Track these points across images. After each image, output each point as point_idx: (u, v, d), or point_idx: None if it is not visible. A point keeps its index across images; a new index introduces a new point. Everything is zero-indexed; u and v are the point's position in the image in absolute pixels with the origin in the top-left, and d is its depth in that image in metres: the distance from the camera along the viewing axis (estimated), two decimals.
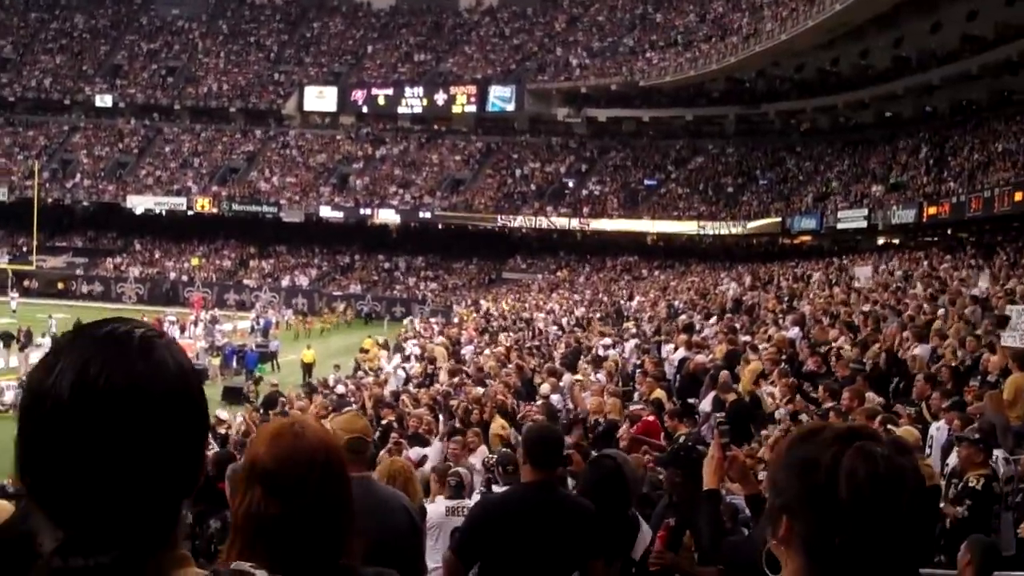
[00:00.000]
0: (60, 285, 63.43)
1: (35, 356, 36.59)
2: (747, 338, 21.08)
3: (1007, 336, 15.58)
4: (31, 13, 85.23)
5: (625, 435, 12.86)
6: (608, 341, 25.23)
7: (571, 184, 66.26)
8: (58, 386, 1.30)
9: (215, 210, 67.85)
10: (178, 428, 1.36)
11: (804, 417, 12.55)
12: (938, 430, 10.37)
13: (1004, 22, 42.13)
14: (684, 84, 61.24)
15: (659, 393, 15.66)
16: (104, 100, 76.83)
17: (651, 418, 13.45)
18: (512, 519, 5.27)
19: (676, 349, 20.81)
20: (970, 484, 8.33)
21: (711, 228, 57.49)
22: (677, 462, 6.36)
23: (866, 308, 22.49)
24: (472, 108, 71.21)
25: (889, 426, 9.56)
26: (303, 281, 64.26)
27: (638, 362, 20.89)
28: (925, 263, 31.95)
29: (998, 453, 9.32)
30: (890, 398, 13.33)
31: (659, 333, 25.04)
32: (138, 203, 68.84)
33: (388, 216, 66.19)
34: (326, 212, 66.77)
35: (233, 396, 32.07)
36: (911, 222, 40.07)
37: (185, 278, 64.27)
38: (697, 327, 24.74)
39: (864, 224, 44.54)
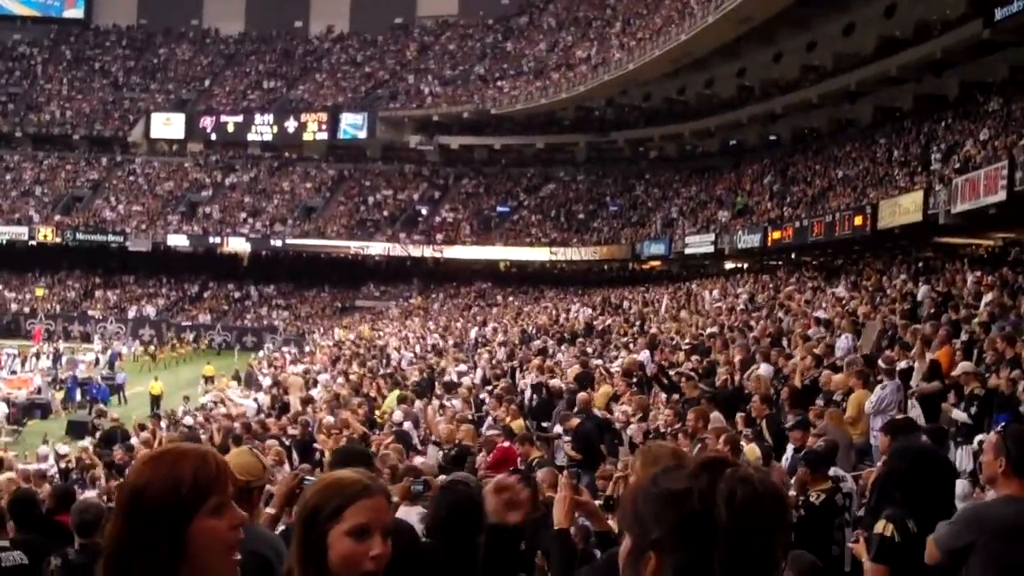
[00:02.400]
0: None
1: None
2: (599, 361, 21.34)
3: (852, 353, 16.11)
4: None
5: (482, 463, 12.89)
6: (462, 368, 25.27)
7: (424, 211, 66.30)
8: None
9: (58, 239, 65.92)
10: None
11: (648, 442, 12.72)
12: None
13: (842, 52, 43.63)
14: (535, 112, 61.86)
15: (518, 422, 15.70)
16: None
17: (506, 444, 13.46)
18: None
19: (529, 374, 20.98)
20: (810, 499, 8.53)
21: (563, 254, 58.16)
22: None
23: (713, 330, 22.98)
24: (323, 135, 70.79)
25: (732, 446, 9.74)
26: (150, 311, 62.87)
27: (492, 388, 20.96)
28: (771, 286, 32.76)
29: (837, 471, 9.58)
30: (734, 418, 13.59)
31: (512, 358, 25.18)
32: None
33: (238, 244, 65.24)
34: (174, 241, 65.46)
35: (78, 430, 31.08)
36: (756, 247, 41.06)
37: (27, 310, 62.28)
38: (550, 352, 24.96)
39: (711, 249, 45.50)
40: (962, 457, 11.26)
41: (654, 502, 1.72)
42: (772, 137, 53.30)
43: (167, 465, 2.16)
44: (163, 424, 23.67)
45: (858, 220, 32.09)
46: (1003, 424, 6.16)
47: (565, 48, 66.99)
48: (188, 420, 24.52)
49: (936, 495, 5.66)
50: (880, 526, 5.48)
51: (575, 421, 14.52)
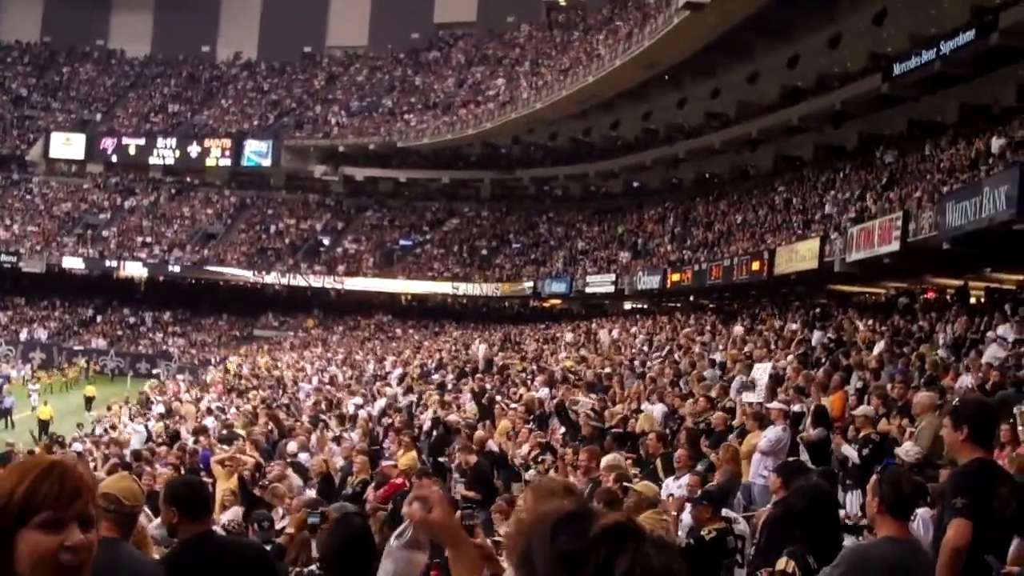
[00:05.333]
0: None
1: None
2: (498, 397, 21.39)
3: (747, 395, 16.33)
4: None
5: (372, 496, 12.83)
6: (359, 400, 25.13)
7: (326, 242, 65.92)
8: None
9: None
10: None
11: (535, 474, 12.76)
12: (679, 487, 10.69)
13: (745, 100, 44.49)
14: (442, 147, 62.01)
15: (411, 454, 15.63)
16: None
17: (399, 480, 13.39)
18: None
19: (428, 408, 20.94)
20: (703, 535, 8.63)
21: (464, 289, 58.21)
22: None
23: (609, 369, 23.18)
24: (227, 162, 70.14)
25: (626, 483, 9.81)
26: (42, 334, 61.51)
27: (388, 421, 20.88)
28: (668, 327, 33.13)
29: (728, 512, 9.68)
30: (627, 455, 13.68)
31: (411, 392, 25.12)
32: None
33: (135, 269, 64.17)
34: (69, 263, 64.15)
35: None
36: (656, 288, 41.51)
37: None
38: (449, 386, 24.95)
39: (612, 289, 45.89)
40: (851, 501, 11.46)
41: (549, 559, 1.70)
42: (674, 180, 54.07)
43: (9, 475, 2.15)
44: (54, 449, 23.16)
45: (755, 265, 32.64)
46: (882, 466, 6.33)
47: (473, 84, 67.31)
48: (77, 446, 24.05)
49: (833, 533, 5.77)
50: (783, 563, 5.57)
51: (470, 459, 14.48)
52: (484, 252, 61.07)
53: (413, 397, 24.03)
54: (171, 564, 5.05)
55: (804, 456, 12.94)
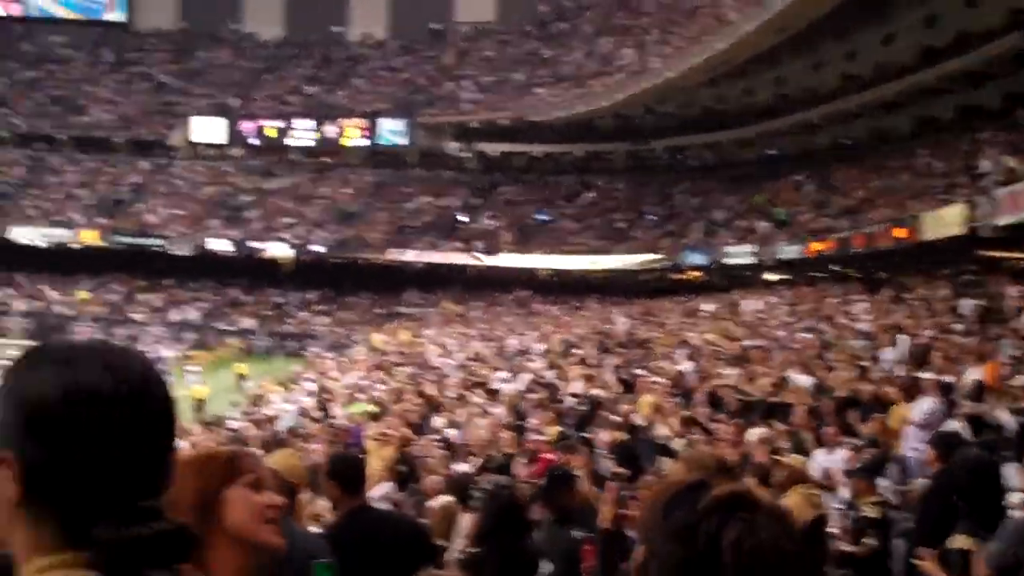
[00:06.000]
0: None
1: None
2: (641, 372, 21.42)
3: (896, 365, 16.15)
4: None
5: (521, 471, 13.03)
6: (504, 375, 25.38)
7: (463, 219, 66.46)
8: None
9: (102, 242, 66.60)
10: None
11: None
12: (831, 460, 10.67)
13: (882, 62, 43.53)
14: (574, 120, 61.97)
15: (555, 429, 15.80)
16: None
17: (550, 456, 13.57)
18: None
19: (571, 383, 21.09)
20: (868, 515, 8.61)
21: (602, 263, 58.13)
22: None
23: (754, 341, 23.03)
24: (364, 141, 71.19)
25: (776, 457, 9.84)
26: (193, 315, 63.35)
27: (533, 396, 21.07)
28: (811, 297, 32.74)
29: (884, 482, 9.65)
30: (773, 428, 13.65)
31: (554, 367, 25.28)
32: (21, 235, 67.27)
33: (279, 250, 65.67)
34: (215, 245, 65.98)
35: None
36: (797, 258, 40.98)
37: (72, 312, 62.90)
38: (591, 361, 25.05)
39: (751, 260, 45.44)
40: (1011, 475, 11.28)
41: (661, 534, 1.68)
42: (811, 146, 53.16)
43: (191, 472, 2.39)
44: (210, 428, 23.96)
45: (900, 232, 32.03)
46: None
47: (603, 55, 67.06)
48: (232, 424, 24.82)
49: (997, 506, 5.73)
50: (961, 541, 5.53)
51: (615, 434, 14.58)
52: (620, 225, 60.92)
53: (555, 372, 24.19)
54: (333, 537, 5.28)
55: (957, 426, 12.76)
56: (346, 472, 5.74)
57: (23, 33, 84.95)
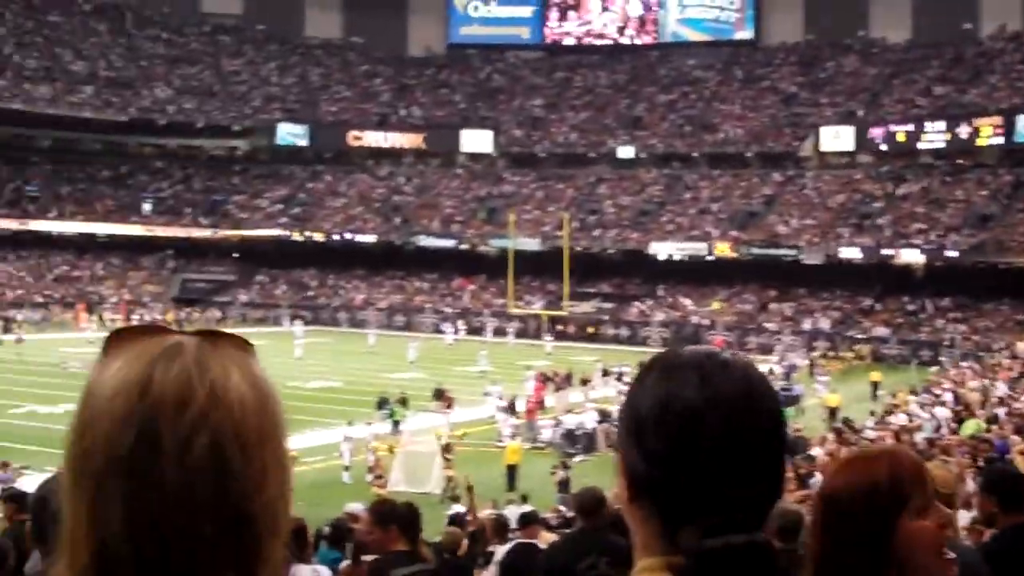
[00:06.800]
0: (590, 329, 66.82)
1: (573, 396, 39.02)
2: None
3: None
4: (557, 73, 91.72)
5: None
6: None
7: None
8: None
9: (734, 254, 68.85)
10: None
11: None
12: None
13: None
14: None
15: None
16: (626, 152, 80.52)
17: None
18: None
19: None
20: None
21: None
22: None
23: None
24: (998, 140, 67.70)
25: None
26: (824, 324, 63.60)
27: None
28: None
29: None
30: None
31: None
32: (661, 250, 71.30)
33: (911, 256, 64.18)
34: (846, 253, 65.86)
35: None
36: None
37: (706, 322, 65.59)
38: None
39: None
40: None
41: None
42: None
43: (859, 466, 2.15)
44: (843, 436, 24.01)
45: None
46: None
47: None
48: (869, 432, 24.71)
49: None
50: None
51: None
52: None
53: None
54: (991, 555, 5.13)
55: None
56: (1005, 486, 5.60)
57: (658, 59, 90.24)
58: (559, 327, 65.26)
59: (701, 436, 1.45)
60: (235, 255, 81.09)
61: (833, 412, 36.22)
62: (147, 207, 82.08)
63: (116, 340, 1.19)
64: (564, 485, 24.45)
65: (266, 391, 1.18)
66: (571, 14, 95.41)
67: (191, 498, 1.10)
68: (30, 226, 77.21)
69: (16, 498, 7.84)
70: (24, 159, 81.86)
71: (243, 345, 1.20)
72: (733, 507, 1.45)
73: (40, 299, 71.30)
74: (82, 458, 1.12)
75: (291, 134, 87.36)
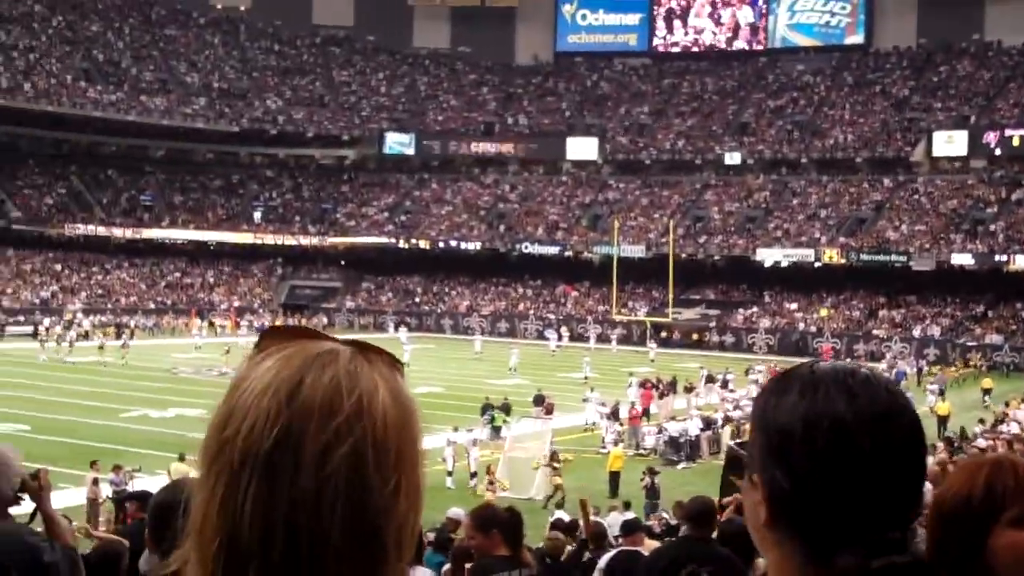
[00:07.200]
0: (695, 336, 66.42)
1: (677, 403, 38.88)
2: None
3: None
4: (664, 79, 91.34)
5: None
6: None
7: None
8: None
9: (842, 260, 67.90)
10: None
11: None
12: None
13: None
14: None
15: None
16: (733, 157, 79.86)
17: None
18: None
19: None
20: None
21: None
22: None
23: None
24: None
25: None
26: (934, 331, 62.39)
27: None
28: None
29: None
30: None
31: None
32: (767, 256, 70.58)
33: None
34: (958, 259, 64.55)
35: None
36: None
37: (814, 328, 64.81)
38: None
39: None
40: None
41: None
42: None
43: (964, 475, 2.09)
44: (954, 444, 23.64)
45: None
46: None
47: None
48: (981, 442, 24.26)
49: None
50: None
51: None
52: None
53: None
54: None
55: None
56: None
57: (766, 64, 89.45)
58: (663, 333, 64.99)
59: (850, 453, 1.42)
60: (342, 262, 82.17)
61: (943, 420, 35.66)
62: (257, 215, 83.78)
63: (269, 338, 1.21)
64: (652, 491, 24.46)
65: (410, 410, 1.19)
66: (676, 23, 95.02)
67: (324, 506, 1.11)
68: (144, 234, 79.19)
69: (139, 497, 8.19)
70: (139, 169, 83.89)
71: (392, 362, 1.21)
72: (884, 526, 1.43)
73: (152, 306, 73.04)
74: (218, 448, 1.14)
75: (398, 143, 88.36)
